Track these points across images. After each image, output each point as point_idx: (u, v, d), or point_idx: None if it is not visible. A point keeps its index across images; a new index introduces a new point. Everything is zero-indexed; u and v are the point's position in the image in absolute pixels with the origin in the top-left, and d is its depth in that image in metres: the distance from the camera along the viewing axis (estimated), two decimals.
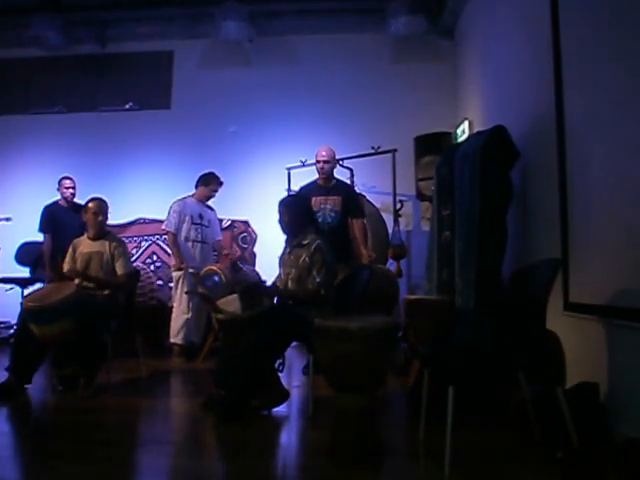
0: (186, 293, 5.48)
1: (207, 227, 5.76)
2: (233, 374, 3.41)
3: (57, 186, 6.04)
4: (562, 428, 2.57)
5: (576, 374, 2.96)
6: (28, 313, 3.92)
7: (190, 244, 5.64)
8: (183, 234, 5.61)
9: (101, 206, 4.50)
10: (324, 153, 5.02)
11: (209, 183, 5.74)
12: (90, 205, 4.51)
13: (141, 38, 7.20)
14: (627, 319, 2.61)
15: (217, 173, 5.80)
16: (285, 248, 3.96)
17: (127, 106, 7.25)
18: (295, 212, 3.86)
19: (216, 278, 4.96)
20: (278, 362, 3.63)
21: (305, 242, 3.78)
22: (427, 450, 2.91)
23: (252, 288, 3.69)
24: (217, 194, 5.87)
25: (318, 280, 3.65)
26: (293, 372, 4.79)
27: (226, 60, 7.21)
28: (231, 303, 3.67)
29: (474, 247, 3.55)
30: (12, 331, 6.05)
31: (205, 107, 7.09)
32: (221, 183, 5.79)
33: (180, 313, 5.55)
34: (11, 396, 3.89)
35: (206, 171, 5.78)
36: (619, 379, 2.75)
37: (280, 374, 3.70)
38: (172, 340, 5.54)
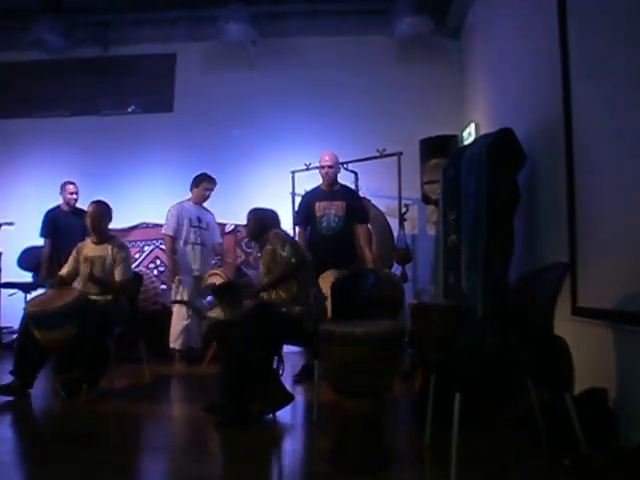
0: (171, 303, 5.52)
1: (206, 230, 5.75)
2: (228, 378, 3.41)
3: (60, 190, 6.05)
4: (570, 434, 2.53)
5: (584, 379, 2.92)
6: (30, 318, 3.91)
7: (190, 247, 5.63)
8: (182, 237, 5.60)
9: (98, 209, 4.48)
10: (327, 158, 5.01)
11: (200, 183, 5.72)
12: (88, 209, 4.52)
13: (143, 41, 7.18)
14: (636, 324, 2.58)
15: (216, 175, 5.80)
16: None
17: (129, 109, 7.24)
18: (258, 217, 3.99)
19: None
20: (277, 365, 3.61)
21: (266, 238, 3.85)
22: (433, 456, 2.90)
23: (223, 289, 3.68)
24: (220, 197, 5.87)
25: (284, 254, 3.70)
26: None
27: (229, 63, 7.18)
28: (219, 310, 3.66)
29: (481, 251, 3.52)
30: (15, 336, 6.03)
31: (208, 110, 7.06)
32: (213, 180, 5.77)
33: (179, 319, 5.53)
34: (15, 396, 3.92)
35: (197, 173, 5.77)
36: (628, 384, 2.72)
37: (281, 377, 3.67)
38: (171, 345, 5.54)
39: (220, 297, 3.60)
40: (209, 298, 4.91)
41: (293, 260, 3.68)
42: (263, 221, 3.95)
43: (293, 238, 3.84)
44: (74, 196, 6.01)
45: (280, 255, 3.71)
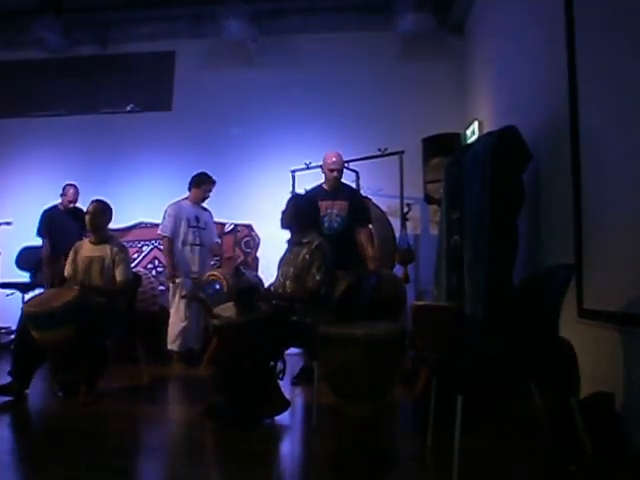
0: (182, 298, 5.42)
1: (204, 229, 5.67)
2: (229, 381, 3.37)
3: (61, 192, 6.03)
4: (576, 439, 2.50)
5: (591, 384, 2.88)
6: (29, 318, 3.89)
7: (188, 248, 5.55)
8: (180, 238, 5.52)
9: (95, 207, 4.45)
10: (335, 160, 4.95)
11: (201, 184, 5.65)
12: (89, 208, 4.49)
13: (142, 39, 7.17)
14: None
15: (215, 174, 5.73)
16: (287, 250, 3.90)
17: (128, 108, 7.23)
18: (301, 210, 3.84)
19: (217, 286, 4.90)
20: (278, 369, 3.57)
21: (305, 240, 3.75)
22: (435, 460, 2.87)
23: (246, 292, 3.63)
24: (220, 197, 5.84)
25: (318, 278, 3.62)
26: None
27: (229, 60, 7.16)
28: (228, 309, 3.62)
29: (484, 252, 3.48)
30: (13, 336, 6.00)
31: (207, 108, 7.04)
32: (214, 182, 5.70)
33: (177, 320, 5.47)
34: (13, 397, 3.91)
35: (197, 172, 5.70)
36: (636, 389, 2.67)
37: (280, 382, 3.61)
38: (169, 347, 5.48)
39: (239, 300, 3.55)
40: (209, 291, 4.87)
41: (322, 291, 3.62)
42: (304, 215, 3.84)
43: (329, 254, 3.73)
44: (71, 205, 6.01)
45: (313, 275, 3.63)
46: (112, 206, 4.58)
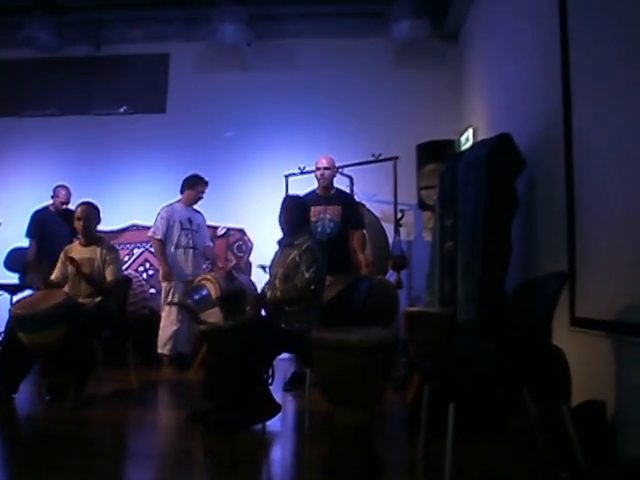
0: (167, 304, 5.40)
1: (197, 232, 5.66)
2: (218, 386, 3.36)
3: (52, 193, 5.98)
4: (568, 447, 2.49)
5: (582, 392, 2.87)
6: (17, 321, 3.85)
7: (181, 251, 5.53)
8: (173, 241, 5.50)
9: (85, 210, 4.43)
10: (324, 160, 4.97)
11: (195, 185, 5.64)
12: (77, 210, 4.47)
13: (136, 40, 7.12)
14: (636, 335, 2.52)
15: (208, 177, 5.74)
16: (276, 252, 3.90)
17: (121, 110, 7.16)
18: (293, 211, 3.85)
19: (204, 292, 4.88)
20: (268, 374, 3.55)
21: (296, 242, 3.75)
22: (427, 468, 2.85)
23: (232, 297, 3.63)
24: (212, 200, 5.84)
25: (307, 276, 3.59)
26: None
27: (223, 63, 7.13)
28: (215, 314, 3.61)
29: (477, 258, 3.46)
30: (0, 339, 5.95)
31: (201, 111, 7.00)
32: (206, 183, 5.69)
33: (169, 324, 5.44)
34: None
35: (189, 174, 5.70)
36: (627, 397, 2.67)
37: (270, 387, 3.59)
38: (160, 351, 5.45)
39: (226, 304, 3.55)
40: (195, 297, 4.84)
41: (312, 287, 3.60)
42: (297, 216, 3.85)
43: (321, 256, 3.74)
44: (63, 206, 5.97)
45: (302, 274, 3.61)
46: (103, 208, 4.58)
